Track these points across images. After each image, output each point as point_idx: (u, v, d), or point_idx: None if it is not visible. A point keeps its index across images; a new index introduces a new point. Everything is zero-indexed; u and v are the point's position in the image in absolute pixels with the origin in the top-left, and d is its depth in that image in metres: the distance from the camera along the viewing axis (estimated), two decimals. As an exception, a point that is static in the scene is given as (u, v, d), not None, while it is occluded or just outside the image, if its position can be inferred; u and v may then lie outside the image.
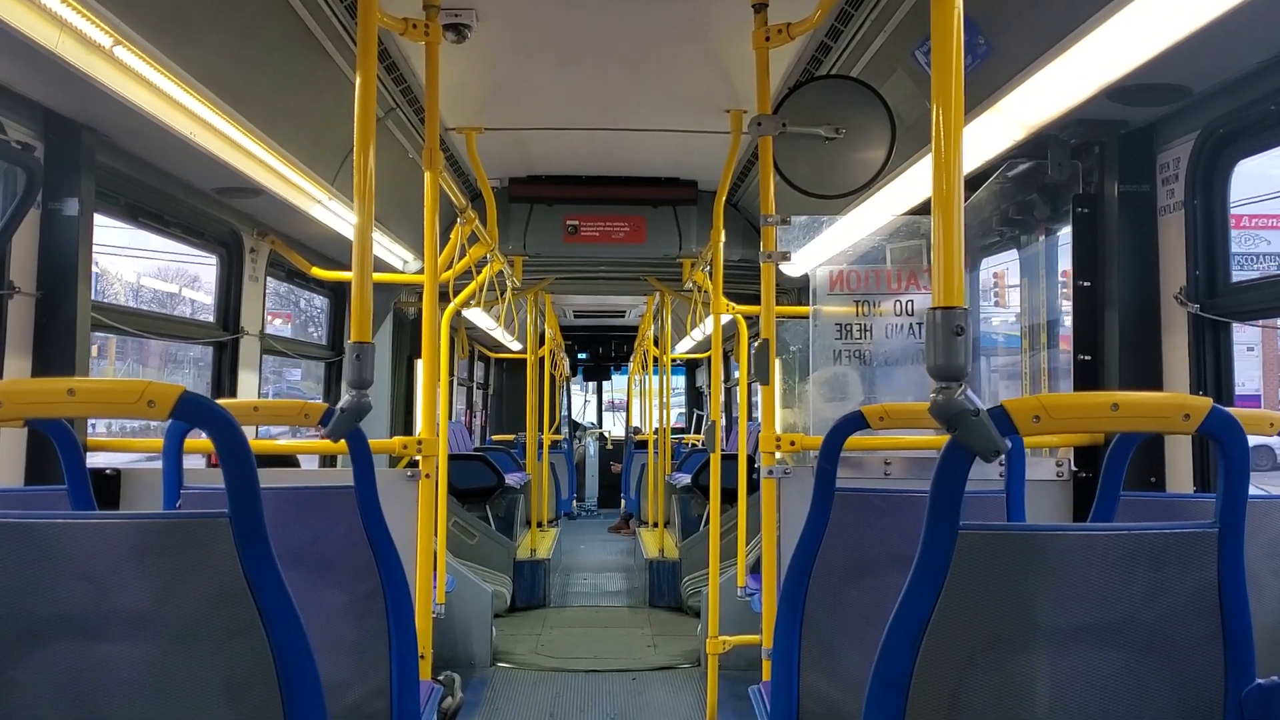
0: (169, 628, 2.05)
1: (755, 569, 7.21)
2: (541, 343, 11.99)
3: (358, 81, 3.40)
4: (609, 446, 14.17)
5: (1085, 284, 4.19)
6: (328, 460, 7.14)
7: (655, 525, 13.00)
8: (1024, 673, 2.00)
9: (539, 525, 12.14)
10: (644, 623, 9.82)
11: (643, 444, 15.76)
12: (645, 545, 11.77)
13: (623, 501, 16.38)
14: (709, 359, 15.49)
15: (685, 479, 12.25)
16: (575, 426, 19.61)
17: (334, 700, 2.72)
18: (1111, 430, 2.69)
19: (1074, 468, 4.20)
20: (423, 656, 3.84)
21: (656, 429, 13.44)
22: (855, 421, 3.15)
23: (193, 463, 3.79)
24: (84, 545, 2.01)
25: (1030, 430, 1.91)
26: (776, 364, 4.39)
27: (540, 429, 13.50)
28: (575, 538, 14.80)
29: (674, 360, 15.99)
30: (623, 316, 16.57)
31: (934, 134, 2.06)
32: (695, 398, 22.05)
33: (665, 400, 13.28)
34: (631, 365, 14.02)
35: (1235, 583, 1.99)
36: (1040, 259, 4.83)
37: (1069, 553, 1.99)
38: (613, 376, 21.75)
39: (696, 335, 13.11)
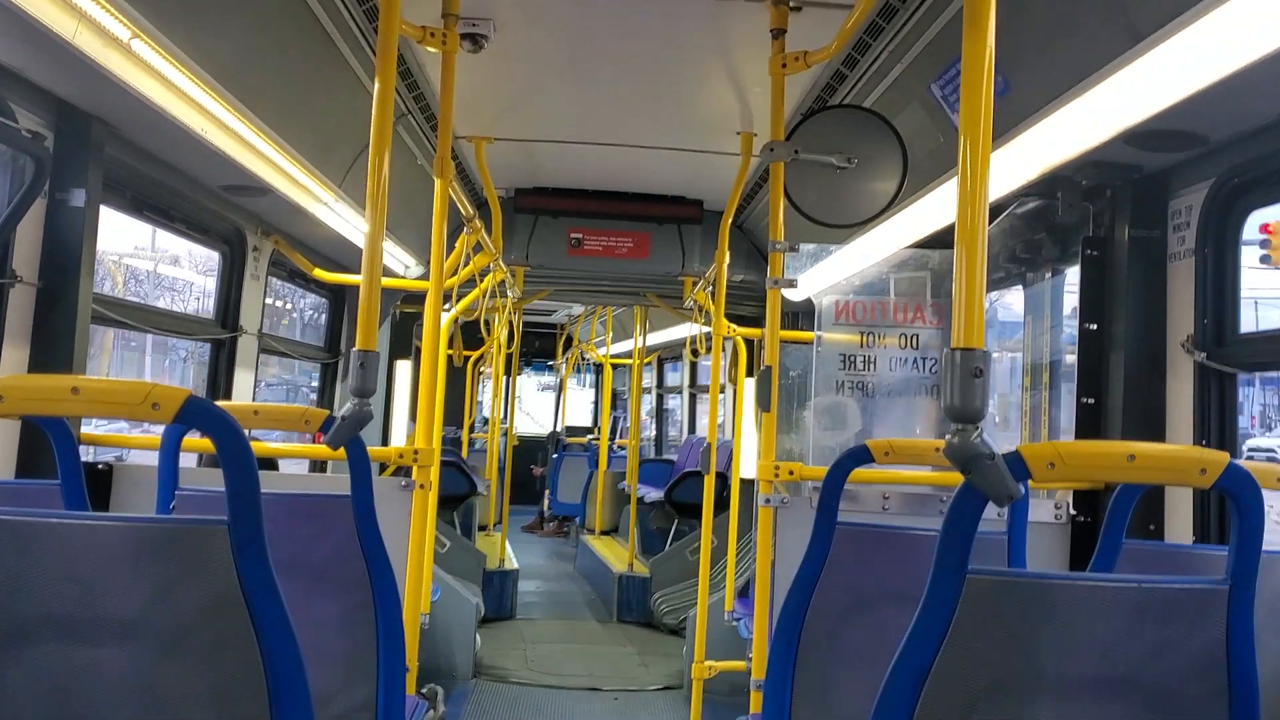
0: (160, 634, 2.01)
1: (743, 593, 7.18)
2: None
3: (376, 88, 3.38)
4: (515, 444, 14.12)
5: (1092, 327, 4.18)
6: (315, 465, 7.09)
7: (602, 533, 13.01)
8: (1027, 723, 1.98)
9: (481, 529, 12.14)
10: (624, 639, 9.79)
11: (570, 446, 15.67)
12: (604, 557, 11.80)
13: (546, 502, 16.31)
14: (667, 361, 15.53)
15: (654, 493, 12.25)
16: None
17: (317, 712, 2.68)
18: (1127, 481, 2.67)
19: (1072, 511, 4.18)
20: (409, 670, 3.80)
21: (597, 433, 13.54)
22: (860, 455, 3.13)
23: (185, 461, 3.75)
24: (77, 546, 1.98)
25: (1045, 477, 1.88)
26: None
27: (463, 428, 13.53)
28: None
29: (615, 363, 15.99)
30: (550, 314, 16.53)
31: (960, 168, 2.04)
32: (612, 401, 22.16)
33: (633, 404, 13.32)
34: (565, 367, 13.94)
35: (1244, 641, 1.96)
36: (1046, 299, 4.82)
37: (1077, 603, 1.97)
38: (527, 373, 21.30)
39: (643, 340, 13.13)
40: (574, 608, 11.21)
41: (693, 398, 14.79)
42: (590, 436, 16.72)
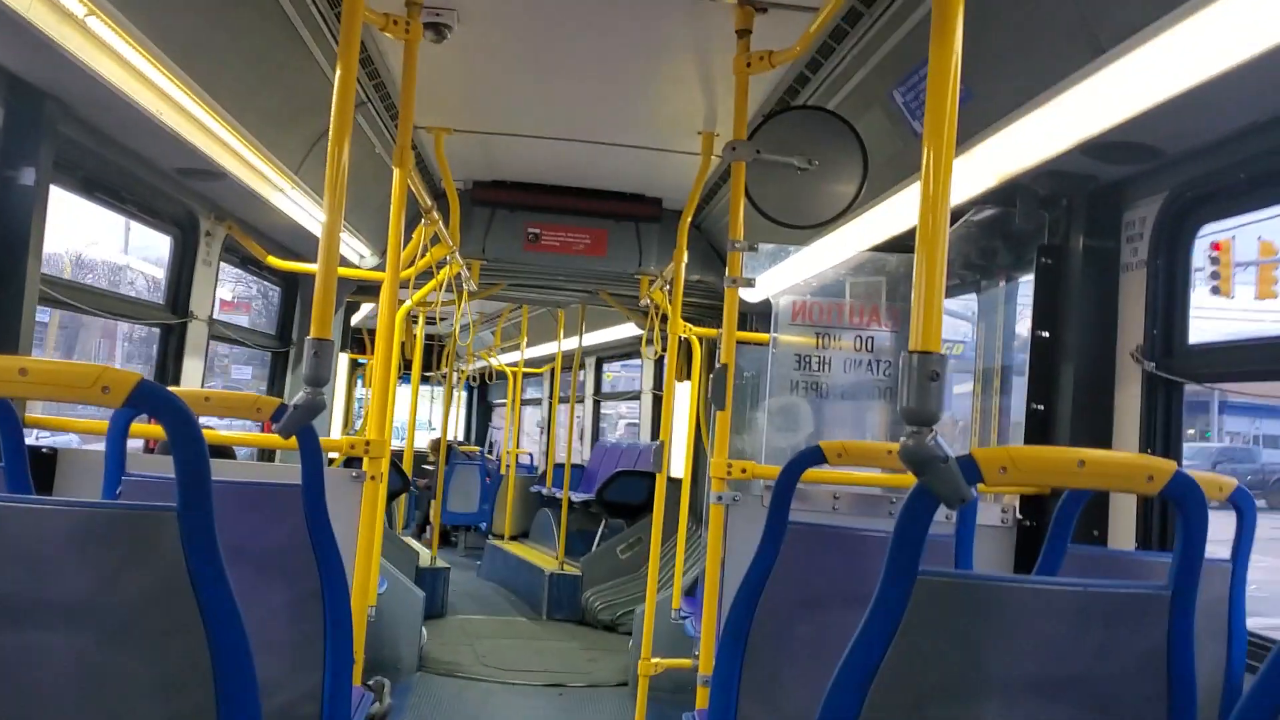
0: (105, 620, 1.98)
1: (690, 591, 7.20)
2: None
3: (337, 75, 3.35)
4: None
5: (1044, 334, 4.22)
6: (265, 453, 7.02)
7: (511, 537, 13.12)
8: (972, 723, 2.00)
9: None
10: (565, 636, 9.85)
11: (458, 455, 15.59)
12: (526, 558, 11.98)
13: (434, 510, 16.27)
14: (552, 371, 15.50)
15: (575, 496, 12.45)
16: None
17: (264, 701, 2.66)
18: (1076, 486, 2.71)
19: (1018, 515, 4.23)
20: (354, 661, 3.77)
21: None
22: (814, 456, 3.15)
23: (131, 446, 3.69)
24: (22, 530, 1.94)
25: (996, 481, 1.91)
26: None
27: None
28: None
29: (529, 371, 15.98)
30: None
31: (923, 174, 2.06)
32: (485, 411, 22.38)
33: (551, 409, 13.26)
34: (450, 377, 13.94)
35: (1184, 646, 2.00)
36: (999, 305, 4.87)
37: (1024, 605, 1.99)
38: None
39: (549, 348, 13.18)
40: (500, 606, 11.28)
41: (657, 400, 14.77)
42: (479, 448, 16.74)
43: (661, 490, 6.43)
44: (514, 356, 15.48)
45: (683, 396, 12.12)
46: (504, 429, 17.61)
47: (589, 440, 15.92)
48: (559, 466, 13.76)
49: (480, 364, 17.37)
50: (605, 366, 16.36)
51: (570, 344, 13.48)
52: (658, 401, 14.53)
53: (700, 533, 10.79)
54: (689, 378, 12.11)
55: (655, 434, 14.38)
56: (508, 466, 13.67)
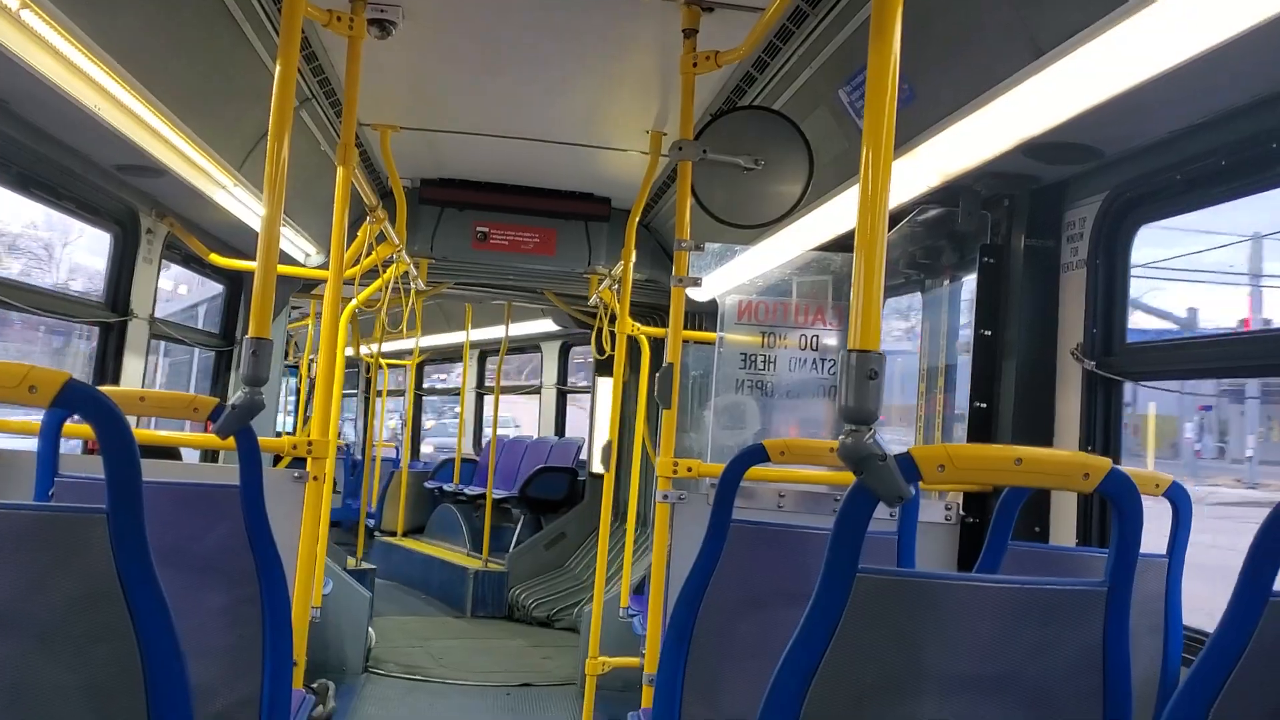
0: (32, 626, 1.93)
1: (639, 589, 7.20)
2: None
3: (277, 71, 3.31)
4: None
5: (986, 333, 4.26)
6: (209, 454, 6.92)
7: (404, 534, 13.04)
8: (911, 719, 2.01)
9: None
10: (510, 634, 9.86)
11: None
12: (437, 555, 11.91)
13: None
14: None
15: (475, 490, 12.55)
16: None
17: (200, 707, 2.61)
18: (1014, 484, 2.73)
19: (962, 513, 4.26)
20: (296, 664, 3.73)
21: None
22: (756, 454, 3.15)
23: (68, 447, 3.63)
24: None
25: (935, 479, 1.92)
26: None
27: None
28: None
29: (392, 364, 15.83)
30: None
31: (862, 175, 2.07)
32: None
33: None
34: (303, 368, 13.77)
35: (1119, 641, 2.02)
36: (944, 305, 4.91)
37: (962, 602, 2.01)
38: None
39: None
40: (416, 605, 11.18)
41: (561, 395, 14.73)
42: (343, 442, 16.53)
43: (609, 487, 6.42)
44: (392, 346, 15.16)
45: (604, 393, 12.25)
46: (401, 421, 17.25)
47: (480, 434, 15.75)
48: (468, 462, 13.78)
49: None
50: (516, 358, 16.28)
51: (477, 335, 13.37)
52: (561, 396, 14.57)
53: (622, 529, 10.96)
54: (609, 374, 12.26)
55: (559, 429, 14.41)
56: (373, 460, 13.39)
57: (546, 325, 13.42)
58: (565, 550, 11.62)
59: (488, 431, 14.62)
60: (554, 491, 12.31)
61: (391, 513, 13.44)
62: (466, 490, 12.71)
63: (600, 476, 12.14)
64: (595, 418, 12.63)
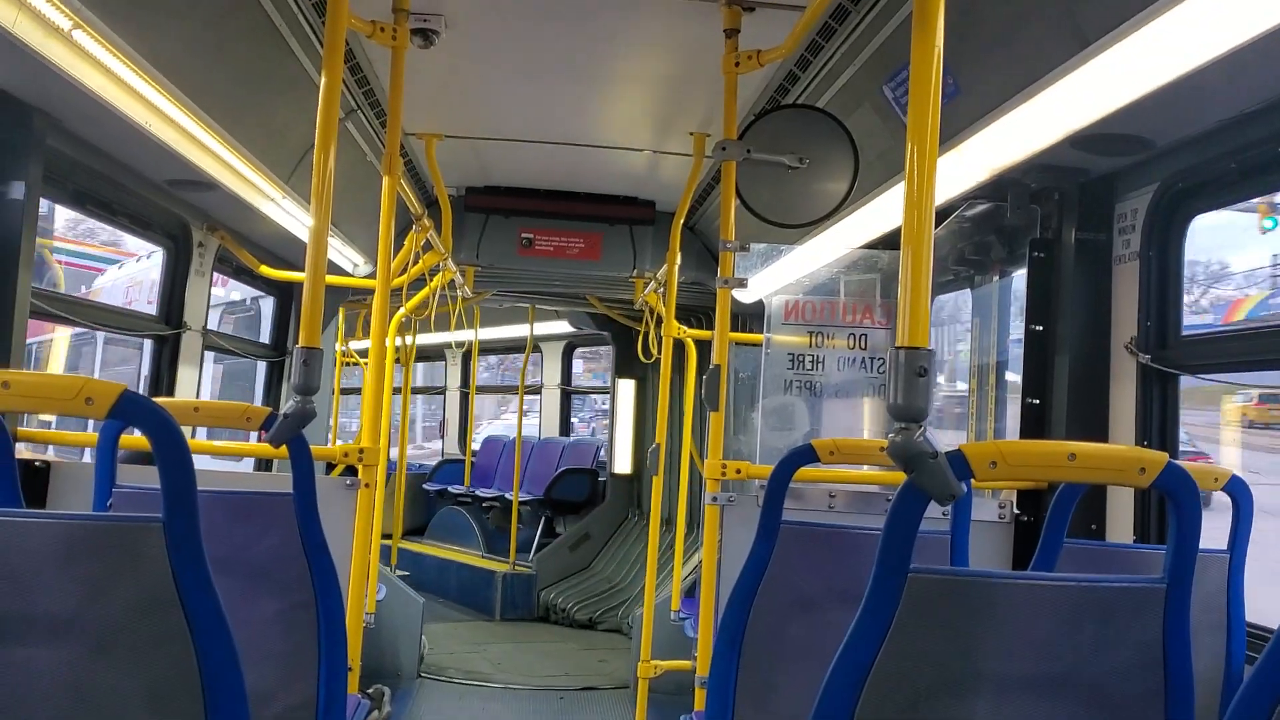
0: (93, 633, 1.97)
1: (690, 592, 7.18)
2: None
3: (322, 83, 3.34)
4: None
5: (1038, 328, 4.21)
6: (263, 463, 7.01)
7: (404, 535, 12.90)
8: (966, 721, 1.98)
9: None
10: (564, 638, 9.88)
11: None
12: (450, 559, 11.91)
13: None
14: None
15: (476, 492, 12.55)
16: None
17: (257, 711, 2.64)
18: (1068, 480, 2.69)
19: (1016, 510, 4.21)
20: (351, 669, 3.76)
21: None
22: (805, 455, 3.14)
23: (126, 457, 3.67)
24: (9, 544, 1.93)
25: (987, 476, 1.89)
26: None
27: None
28: None
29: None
30: None
31: (907, 171, 2.05)
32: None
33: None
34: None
35: (1180, 639, 1.98)
36: (994, 300, 4.86)
37: (1017, 601, 1.98)
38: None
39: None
40: (438, 609, 11.01)
41: (565, 396, 14.70)
42: None
43: (658, 493, 6.41)
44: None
45: (625, 395, 12.26)
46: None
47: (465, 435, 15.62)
48: (445, 464, 13.83)
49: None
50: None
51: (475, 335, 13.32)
52: (565, 397, 14.56)
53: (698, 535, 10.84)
54: (630, 375, 12.29)
55: (564, 429, 14.38)
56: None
57: (553, 326, 13.34)
58: (590, 551, 11.70)
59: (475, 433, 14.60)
60: (577, 493, 12.34)
61: (389, 514, 13.43)
62: (478, 492, 12.63)
63: (622, 478, 12.21)
64: (616, 419, 12.59)
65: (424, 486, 13.79)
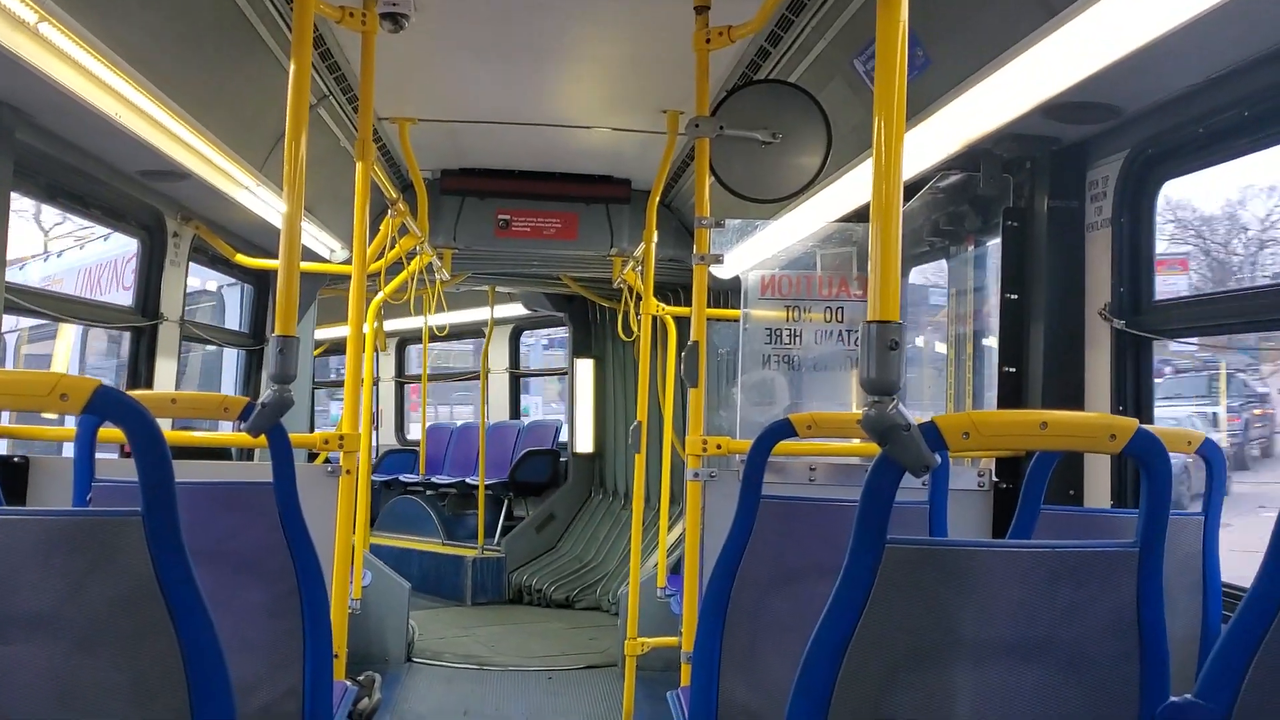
0: (75, 629, 1.97)
1: (676, 569, 7.22)
2: None
3: (291, 69, 3.32)
4: None
5: (1012, 297, 4.24)
6: (245, 453, 6.99)
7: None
8: (945, 688, 2.01)
9: None
10: (547, 618, 9.95)
11: None
12: (422, 548, 11.80)
13: None
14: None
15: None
16: None
17: (244, 700, 2.66)
18: (1040, 448, 2.72)
19: (995, 479, 4.25)
20: (336, 655, 3.77)
21: None
22: (783, 429, 3.15)
23: (106, 452, 3.67)
24: None
25: (960, 446, 1.91)
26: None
27: None
28: None
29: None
30: None
31: (875, 145, 2.06)
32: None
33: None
34: None
35: (1153, 602, 2.01)
36: (969, 270, 4.88)
37: (993, 569, 2.00)
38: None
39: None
40: (421, 593, 11.05)
41: (515, 380, 14.69)
42: None
43: (641, 471, 6.43)
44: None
45: (584, 374, 12.32)
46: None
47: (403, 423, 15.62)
48: (391, 453, 13.87)
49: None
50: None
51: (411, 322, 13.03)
52: (515, 381, 14.59)
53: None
54: (588, 355, 12.33)
55: (514, 413, 14.38)
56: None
57: (501, 310, 13.23)
58: (555, 531, 11.81)
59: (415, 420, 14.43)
60: (539, 475, 12.39)
61: None
62: (434, 479, 12.55)
63: (584, 457, 12.28)
64: (576, 399, 12.62)
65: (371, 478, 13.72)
